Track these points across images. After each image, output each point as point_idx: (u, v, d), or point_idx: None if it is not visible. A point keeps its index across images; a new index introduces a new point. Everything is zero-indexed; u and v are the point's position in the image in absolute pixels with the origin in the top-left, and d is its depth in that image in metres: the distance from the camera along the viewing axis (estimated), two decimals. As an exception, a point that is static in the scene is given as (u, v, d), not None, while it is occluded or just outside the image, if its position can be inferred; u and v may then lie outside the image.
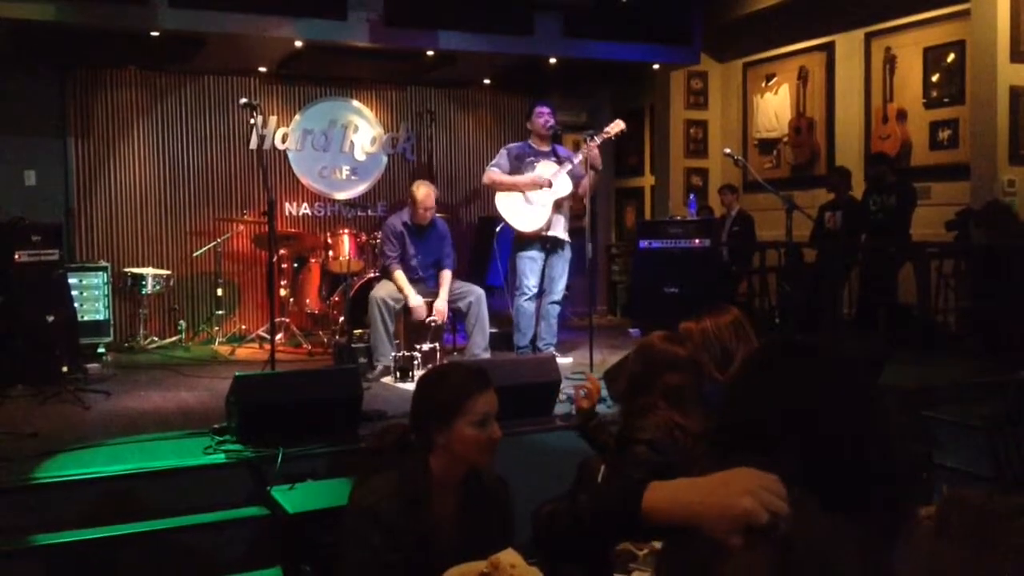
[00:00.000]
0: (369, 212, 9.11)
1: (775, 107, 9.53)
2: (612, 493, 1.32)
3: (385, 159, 9.29)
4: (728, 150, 7.56)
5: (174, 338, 8.08)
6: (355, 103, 9.19)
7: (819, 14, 8.72)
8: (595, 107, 10.09)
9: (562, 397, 5.09)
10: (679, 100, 10.07)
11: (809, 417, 1.19)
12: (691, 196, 8.97)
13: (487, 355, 6.37)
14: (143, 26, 6.91)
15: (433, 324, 6.48)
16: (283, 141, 8.84)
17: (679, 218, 8.68)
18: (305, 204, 8.97)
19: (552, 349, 6.59)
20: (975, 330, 6.83)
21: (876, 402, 1.22)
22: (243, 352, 7.66)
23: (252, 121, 7.48)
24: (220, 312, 8.25)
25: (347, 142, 9.13)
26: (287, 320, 7.89)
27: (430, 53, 8.03)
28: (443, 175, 9.35)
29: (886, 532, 1.05)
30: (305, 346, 7.68)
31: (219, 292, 8.26)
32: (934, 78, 7.91)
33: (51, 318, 6.10)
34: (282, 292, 7.88)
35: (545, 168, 6.50)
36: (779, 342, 1.45)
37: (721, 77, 10.19)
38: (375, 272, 7.15)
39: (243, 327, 8.43)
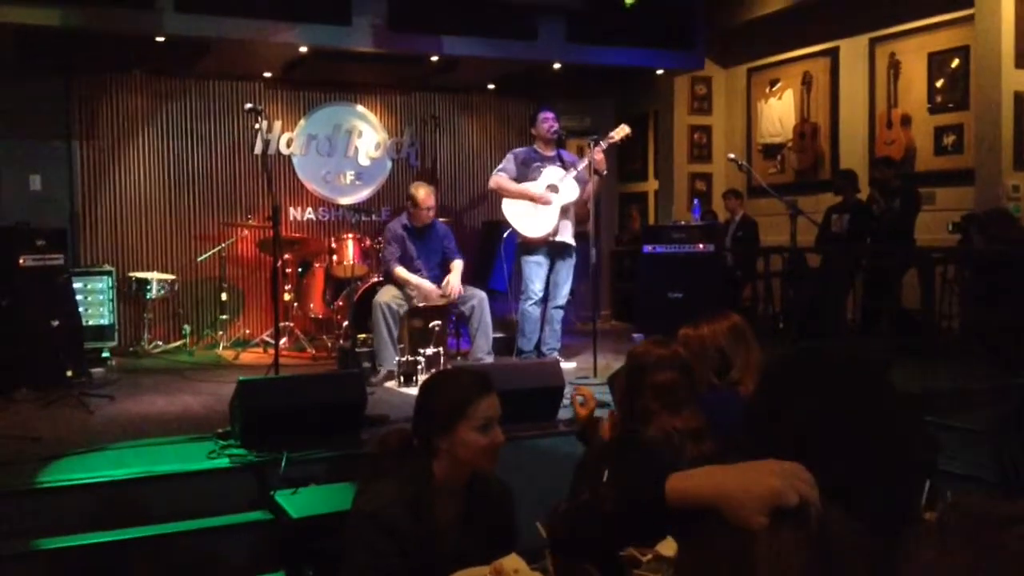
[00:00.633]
0: (373, 217, 9.11)
1: (779, 112, 9.53)
2: (635, 478, 1.31)
3: (389, 164, 9.31)
4: (732, 155, 7.58)
5: (178, 343, 8.09)
6: (359, 108, 9.20)
7: (823, 19, 8.73)
8: (599, 112, 10.10)
9: (565, 402, 5.09)
10: (683, 105, 10.08)
11: (849, 424, 1.18)
12: (695, 201, 8.97)
13: (490, 359, 6.38)
14: (148, 31, 6.93)
15: (436, 327, 6.49)
16: (288, 146, 8.85)
17: (683, 223, 8.68)
18: (309, 209, 8.98)
19: (556, 354, 6.59)
20: (979, 335, 6.82)
21: (905, 407, 1.22)
22: (247, 357, 7.66)
23: (256, 126, 7.50)
24: (224, 317, 8.26)
25: (351, 147, 9.14)
26: (291, 325, 7.90)
27: (434, 58, 8.05)
28: (447, 180, 9.36)
29: (894, 537, 1.04)
30: (309, 351, 7.69)
31: (223, 297, 8.27)
32: (938, 83, 7.90)
33: (55, 322, 6.12)
34: (286, 297, 7.89)
35: (552, 173, 6.51)
36: (807, 350, 1.44)
37: (725, 82, 10.19)
38: (379, 277, 7.16)
39: (247, 331, 8.44)
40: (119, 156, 8.31)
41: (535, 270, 6.54)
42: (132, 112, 8.34)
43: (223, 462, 4.11)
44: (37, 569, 3.44)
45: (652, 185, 10.46)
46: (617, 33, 8.29)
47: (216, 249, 8.26)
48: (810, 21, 8.80)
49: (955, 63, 7.74)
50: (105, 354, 7.10)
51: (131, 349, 7.77)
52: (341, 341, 7.30)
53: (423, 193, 6.53)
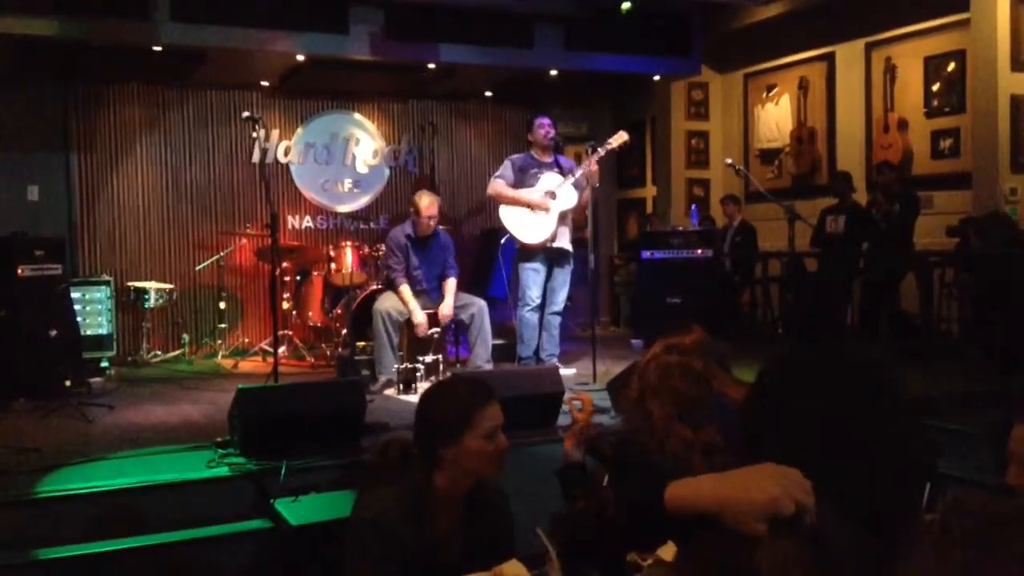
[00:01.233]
0: (372, 225, 9.12)
1: (776, 117, 9.55)
2: (635, 485, 1.31)
3: (387, 172, 9.31)
4: (730, 160, 7.57)
5: (177, 352, 8.09)
6: (357, 116, 9.21)
7: (819, 24, 8.75)
8: (596, 119, 10.11)
9: (565, 408, 5.08)
10: (680, 111, 10.09)
11: (850, 427, 1.18)
12: (693, 207, 8.98)
13: (489, 367, 6.37)
14: (145, 41, 6.94)
15: (435, 336, 6.49)
16: (285, 154, 8.86)
17: (681, 229, 8.68)
18: (308, 217, 8.98)
19: (555, 360, 6.58)
20: (978, 339, 6.82)
21: (906, 409, 1.22)
22: (246, 365, 7.66)
23: (254, 135, 7.50)
24: (223, 325, 8.25)
25: (349, 155, 9.15)
26: (290, 333, 7.89)
27: (431, 66, 8.06)
28: (445, 187, 9.36)
29: (894, 538, 1.04)
30: (308, 359, 7.69)
31: (222, 305, 8.26)
32: (935, 87, 7.92)
33: (54, 332, 6.12)
34: (285, 305, 7.88)
35: (550, 180, 6.51)
36: (805, 351, 1.43)
37: (722, 88, 10.21)
38: (378, 284, 7.15)
39: (246, 340, 8.43)
40: (117, 166, 8.31)
41: (532, 276, 6.54)
42: (130, 122, 8.35)
43: (222, 471, 4.10)
44: (37, 579, 3.43)
45: (650, 191, 10.47)
46: (613, 40, 8.30)
47: (214, 258, 8.25)
48: (806, 26, 8.81)
49: (951, 67, 7.76)
50: (104, 364, 7.09)
51: (130, 359, 7.76)
52: (340, 349, 7.29)
53: (426, 201, 6.50)
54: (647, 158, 10.50)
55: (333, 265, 7.70)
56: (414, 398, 5.12)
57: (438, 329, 6.54)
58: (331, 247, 7.92)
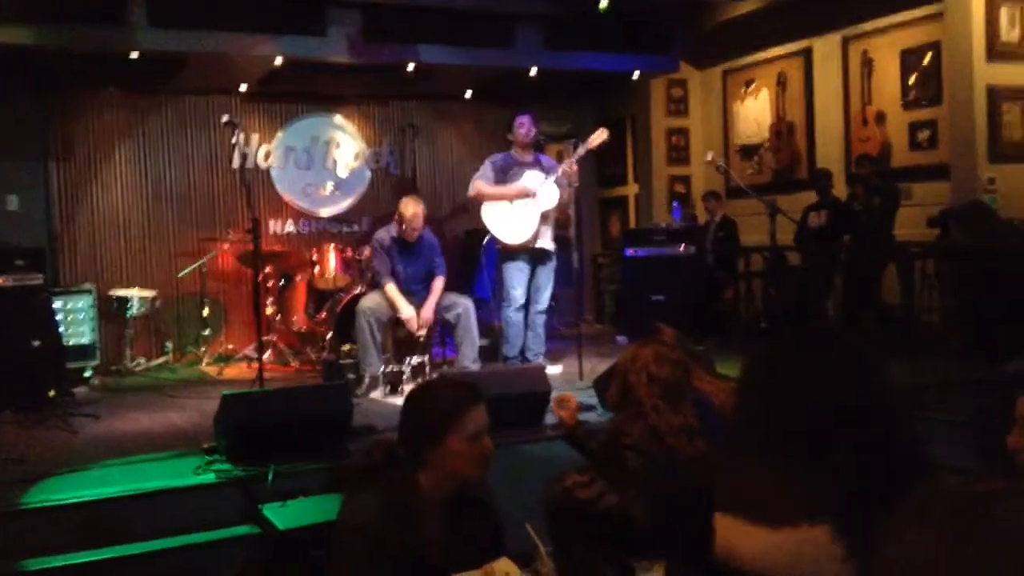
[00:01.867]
0: (354, 228, 9.10)
1: (755, 113, 9.59)
2: (678, 510, 1.29)
3: (369, 174, 9.30)
4: (710, 156, 7.61)
5: (161, 359, 8.05)
6: (337, 119, 9.19)
7: (796, 19, 8.78)
8: (577, 117, 10.12)
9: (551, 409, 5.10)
10: (660, 108, 10.11)
11: (859, 412, 1.18)
12: (675, 204, 9.00)
13: (476, 367, 6.36)
14: (122, 48, 6.90)
15: (420, 338, 6.48)
16: (266, 159, 8.83)
17: (664, 226, 8.71)
18: (290, 221, 8.96)
19: (541, 359, 6.59)
20: (959, 329, 6.88)
21: (901, 391, 1.23)
22: (231, 372, 7.62)
23: (234, 140, 7.49)
24: (207, 332, 8.21)
25: (330, 158, 9.13)
26: (274, 338, 7.85)
27: (410, 67, 8.05)
28: (427, 188, 9.34)
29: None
30: (293, 364, 7.66)
31: (205, 312, 8.22)
32: (911, 80, 7.97)
33: (36, 343, 6.08)
34: (268, 310, 7.84)
35: (531, 178, 6.52)
36: (793, 342, 1.42)
37: (701, 84, 10.24)
38: (362, 288, 7.13)
39: (230, 346, 8.38)
40: (96, 174, 8.26)
41: (516, 276, 6.55)
42: (109, 129, 8.30)
43: (209, 477, 4.09)
44: (24, 591, 3.41)
45: (632, 189, 10.49)
46: (592, 38, 8.32)
47: (196, 264, 8.20)
48: (783, 21, 8.85)
49: (927, 59, 7.81)
50: (87, 373, 7.06)
51: (114, 368, 7.71)
52: (325, 353, 7.27)
53: (411, 212, 6.35)
54: (628, 156, 10.52)
55: (316, 269, 7.67)
56: (400, 400, 5.11)
57: (423, 332, 6.53)
58: (314, 251, 7.88)
